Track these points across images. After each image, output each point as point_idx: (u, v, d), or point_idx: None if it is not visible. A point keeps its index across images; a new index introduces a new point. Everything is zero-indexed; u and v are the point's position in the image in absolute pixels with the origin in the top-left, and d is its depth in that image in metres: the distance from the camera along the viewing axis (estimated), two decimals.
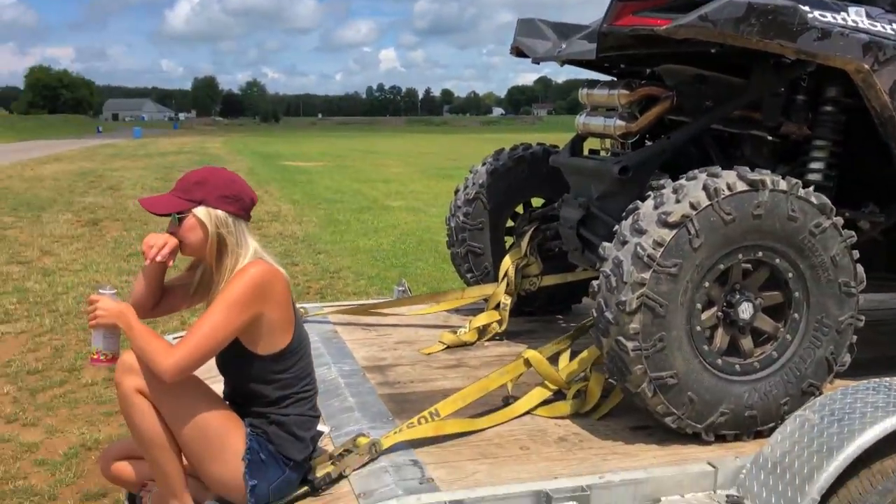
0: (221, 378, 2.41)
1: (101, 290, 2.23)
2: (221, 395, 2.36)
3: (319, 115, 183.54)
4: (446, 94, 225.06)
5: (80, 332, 6.38)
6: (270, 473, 2.23)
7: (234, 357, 2.25)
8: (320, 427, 2.49)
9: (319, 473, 2.36)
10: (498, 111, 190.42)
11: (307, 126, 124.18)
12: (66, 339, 6.21)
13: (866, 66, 2.69)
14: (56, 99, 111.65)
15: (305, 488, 2.34)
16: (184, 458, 2.25)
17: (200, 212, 2.20)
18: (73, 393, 5.07)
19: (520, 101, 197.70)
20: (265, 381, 2.27)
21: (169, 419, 2.15)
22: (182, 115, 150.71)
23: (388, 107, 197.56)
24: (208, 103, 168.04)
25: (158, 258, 2.22)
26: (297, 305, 2.49)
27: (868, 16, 2.75)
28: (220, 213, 2.21)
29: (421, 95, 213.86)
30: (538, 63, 3.63)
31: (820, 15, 2.68)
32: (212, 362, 2.31)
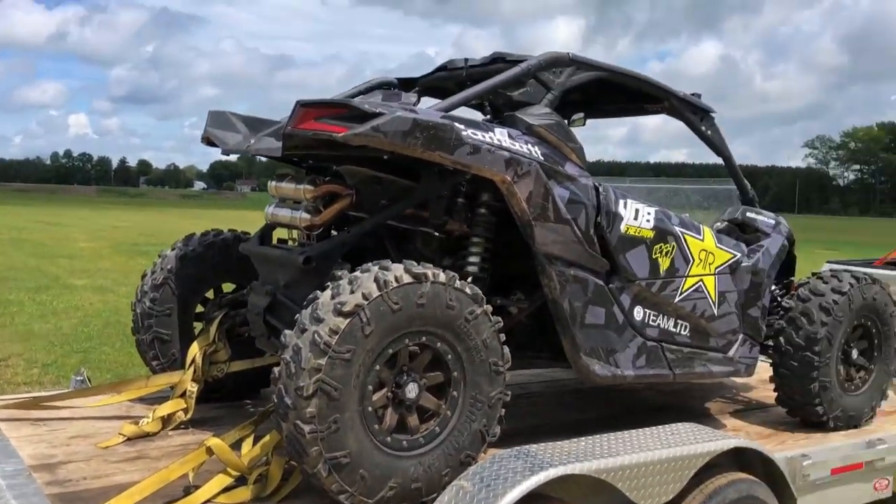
0: None
1: None
2: None
3: None
4: (144, 164, 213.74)
5: None
6: None
7: None
8: None
9: None
10: (200, 185, 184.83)
11: None
12: None
13: (508, 178, 3.19)
14: None
15: None
16: None
17: None
18: None
19: (223, 176, 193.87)
20: None
21: None
22: None
23: (76, 175, 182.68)
24: None
25: None
26: None
27: (510, 136, 3.27)
28: None
29: (115, 165, 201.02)
30: (227, 154, 3.75)
31: (472, 133, 3.14)
32: None
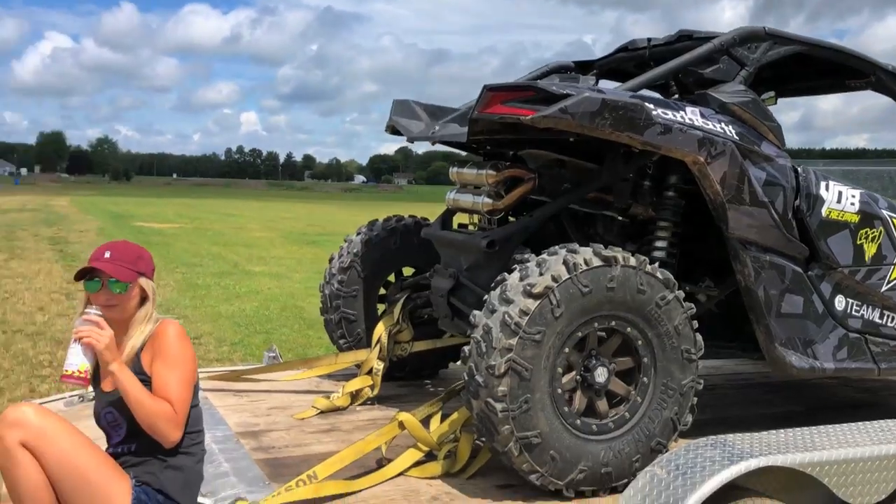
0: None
1: (90, 310, 2.28)
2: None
3: (174, 175, 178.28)
4: (308, 159, 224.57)
5: None
6: None
7: None
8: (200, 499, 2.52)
9: None
10: (360, 178, 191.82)
11: (161, 186, 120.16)
12: None
13: (701, 159, 3.08)
14: None
15: None
16: None
17: (145, 282, 2.40)
18: None
19: (381, 170, 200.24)
20: None
21: (53, 471, 2.14)
22: (24, 171, 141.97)
23: (247, 169, 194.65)
24: (54, 159, 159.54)
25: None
26: None
27: (702, 115, 3.15)
28: (152, 283, 2.44)
29: (282, 159, 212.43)
30: (412, 142, 3.86)
31: (663, 112, 3.05)
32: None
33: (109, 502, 2.20)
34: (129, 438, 2.37)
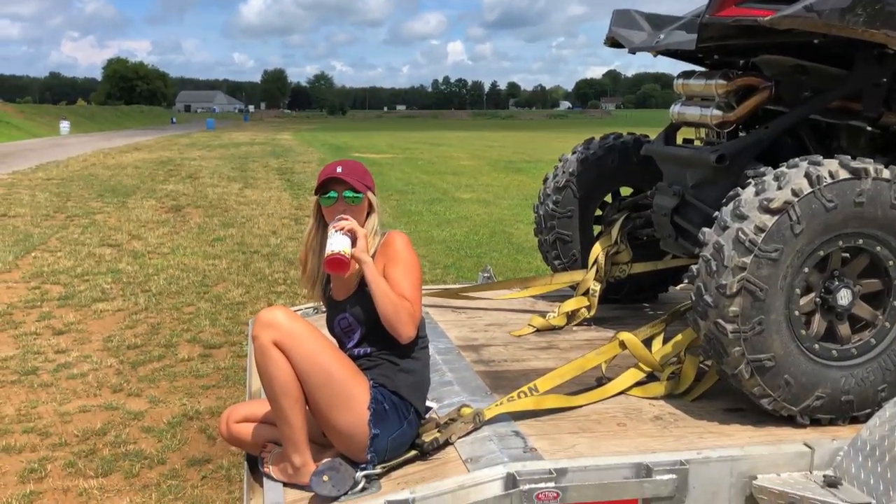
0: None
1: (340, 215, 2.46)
2: None
3: (385, 108, 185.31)
4: (513, 87, 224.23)
5: (174, 311, 6.69)
6: (391, 425, 2.40)
7: None
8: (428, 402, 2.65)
9: (427, 439, 2.50)
10: (565, 105, 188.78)
11: (373, 118, 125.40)
12: (160, 318, 6.52)
13: None
14: (132, 90, 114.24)
15: (414, 452, 2.48)
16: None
17: (371, 196, 2.55)
18: (171, 367, 5.34)
19: (588, 95, 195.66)
20: None
21: (301, 369, 2.32)
22: (251, 107, 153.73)
23: (453, 100, 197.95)
24: (277, 96, 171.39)
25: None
26: None
27: None
28: (376, 198, 2.58)
29: (487, 88, 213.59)
30: (634, 53, 3.69)
31: None
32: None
33: (351, 399, 2.37)
34: (362, 342, 2.52)
